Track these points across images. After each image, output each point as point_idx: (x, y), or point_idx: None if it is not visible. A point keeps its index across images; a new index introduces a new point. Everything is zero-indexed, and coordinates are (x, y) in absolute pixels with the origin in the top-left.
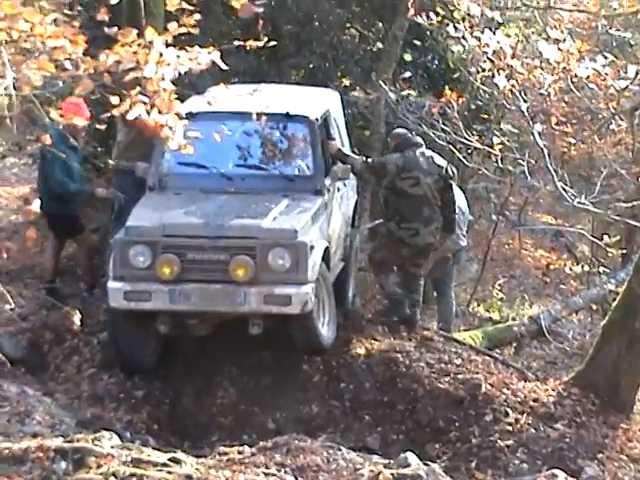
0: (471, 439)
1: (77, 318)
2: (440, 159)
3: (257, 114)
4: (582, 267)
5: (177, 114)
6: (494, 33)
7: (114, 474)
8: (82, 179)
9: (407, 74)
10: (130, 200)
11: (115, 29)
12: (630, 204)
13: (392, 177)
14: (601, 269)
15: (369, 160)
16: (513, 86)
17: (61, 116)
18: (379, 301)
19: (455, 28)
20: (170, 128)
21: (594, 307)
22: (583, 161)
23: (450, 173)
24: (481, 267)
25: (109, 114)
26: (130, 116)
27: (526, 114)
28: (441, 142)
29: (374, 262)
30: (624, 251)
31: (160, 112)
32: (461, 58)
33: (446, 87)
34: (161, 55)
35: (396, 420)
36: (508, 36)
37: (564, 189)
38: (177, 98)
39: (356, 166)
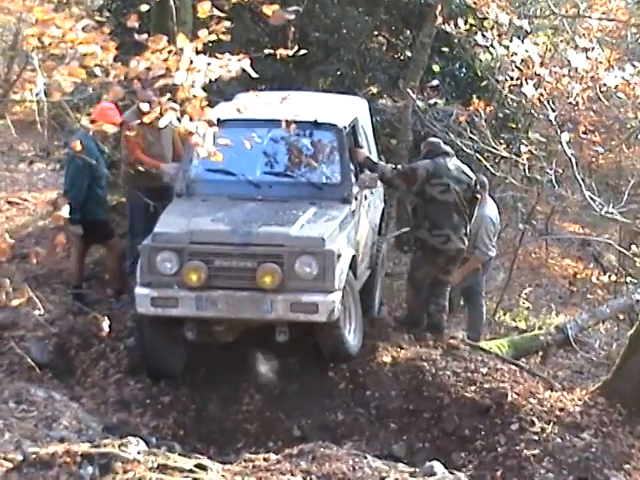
0: (497, 448)
1: (105, 323)
2: (469, 171)
3: (286, 122)
4: (609, 276)
5: (208, 121)
6: (522, 41)
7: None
8: (109, 184)
9: (435, 82)
10: (141, 213)
11: (145, 36)
12: None
13: (422, 183)
14: (628, 279)
15: (399, 167)
16: (541, 95)
17: (92, 122)
18: (405, 309)
19: (483, 36)
20: (200, 135)
21: (621, 317)
22: (611, 170)
23: (478, 187)
24: (508, 276)
25: (139, 121)
26: (161, 123)
27: (554, 123)
28: (468, 150)
29: (415, 280)
30: None
31: (191, 119)
32: (489, 66)
33: (474, 95)
34: (191, 62)
35: (422, 428)
36: (536, 44)
37: (592, 198)
38: (207, 105)
39: (386, 173)
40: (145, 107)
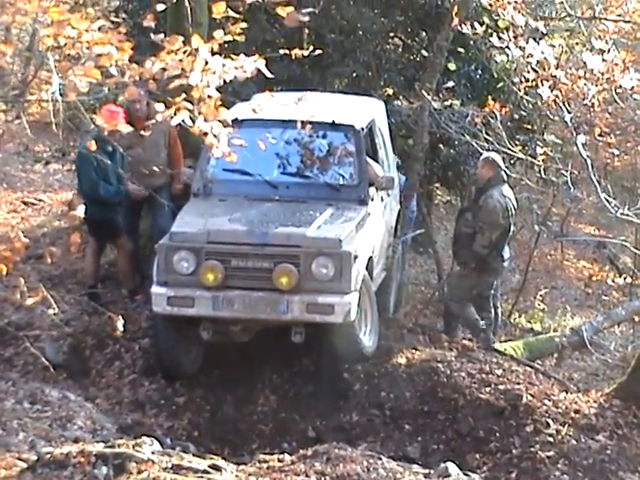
0: (512, 450)
1: (119, 323)
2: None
3: (303, 123)
4: (625, 279)
5: (222, 121)
6: (538, 43)
7: None
8: (120, 183)
9: (450, 83)
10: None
11: (161, 36)
12: None
13: (502, 224)
14: None
15: (492, 238)
16: (557, 96)
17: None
18: (420, 311)
19: (499, 38)
20: (215, 135)
21: (636, 319)
22: (627, 172)
23: None
24: (523, 278)
25: (151, 121)
26: (174, 122)
27: (570, 125)
28: (484, 152)
29: (465, 290)
30: None
31: (205, 119)
32: (505, 68)
33: (489, 97)
34: (206, 63)
35: (436, 430)
36: (552, 46)
37: (607, 200)
38: (221, 105)
39: (481, 252)
40: (132, 106)
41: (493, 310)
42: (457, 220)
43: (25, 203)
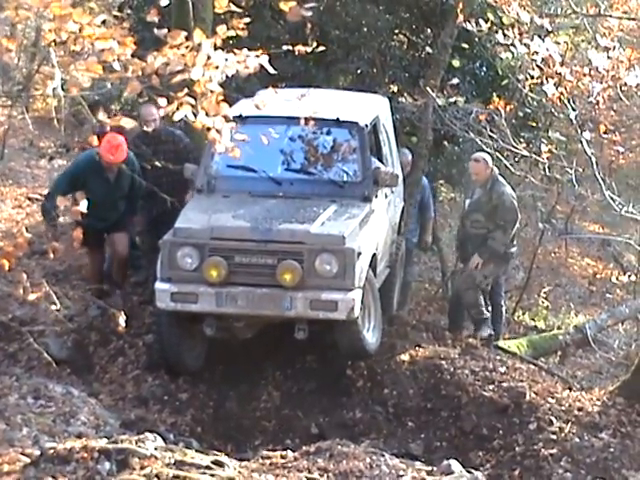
0: (515, 447)
1: (122, 320)
2: None
3: (307, 119)
4: (629, 276)
5: (225, 117)
6: (543, 40)
7: (157, 476)
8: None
9: (455, 80)
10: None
11: (164, 31)
12: None
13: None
14: None
15: (512, 233)
16: (562, 94)
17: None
18: (424, 308)
19: (504, 35)
20: (218, 131)
21: None
22: (631, 170)
23: None
24: (527, 275)
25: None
26: (176, 117)
27: (574, 122)
28: (488, 149)
29: (483, 280)
30: None
31: (207, 114)
32: (510, 65)
33: (494, 94)
34: (209, 58)
35: (440, 427)
36: (557, 44)
37: (612, 198)
38: (224, 101)
39: (499, 248)
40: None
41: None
42: (462, 224)
43: (30, 199)
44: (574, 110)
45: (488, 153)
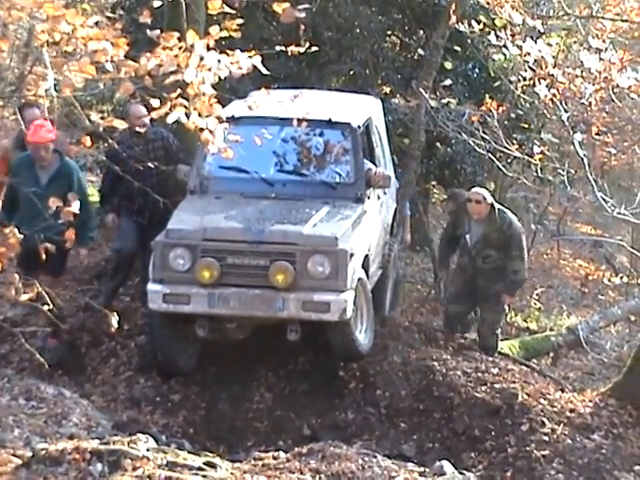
0: (507, 449)
1: (114, 320)
2: None
3: (300, 120)
4: (621, 278)
5: (217, 117)
6: (535, 42)
7: (149, 477)
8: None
9: (447, 82)
10: None
11: (157, 32)
12: None
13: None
14: None
15: (524, 259)
16: (554, 95)
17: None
18: (416, 309)
19: (496, 36)
20: (210, 132)
21: (632, 318)
22: (623, 171)
23: None
24: None
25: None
26: (170, 119)
27: (567, 124)
28: (481, 151)
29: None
30: None
31: (200, 115)
32: (502, 67)
33: (486, 95)
34: (202, 59)
35: (432, 428)
36: (549, 45)
37: (604, 199)
38: (217, 102)
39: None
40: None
41: None
42: (472, 262)
43: None
44: (566, 112)
45: (481, 156)
